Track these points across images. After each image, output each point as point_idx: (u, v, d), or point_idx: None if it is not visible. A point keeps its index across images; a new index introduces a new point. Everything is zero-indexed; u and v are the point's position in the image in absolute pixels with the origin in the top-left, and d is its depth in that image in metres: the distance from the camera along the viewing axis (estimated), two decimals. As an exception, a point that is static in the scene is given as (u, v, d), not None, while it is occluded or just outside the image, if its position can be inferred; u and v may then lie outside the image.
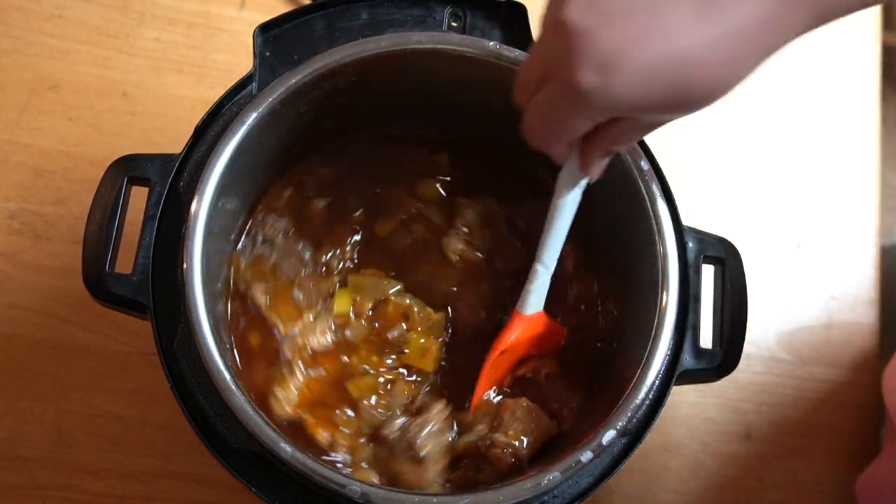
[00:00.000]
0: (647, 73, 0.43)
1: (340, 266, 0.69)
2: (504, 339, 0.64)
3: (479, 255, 0.71)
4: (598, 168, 0.55)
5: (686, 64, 0.43)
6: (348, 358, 0.66)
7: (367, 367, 0.66)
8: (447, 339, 0.68)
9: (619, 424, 0.56)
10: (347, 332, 0.67)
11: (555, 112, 0.48)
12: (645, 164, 0.61)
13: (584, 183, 0.57)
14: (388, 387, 0.66)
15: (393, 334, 0.67)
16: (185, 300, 0.55)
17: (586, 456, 0.55)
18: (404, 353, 0.67)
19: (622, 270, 0.68)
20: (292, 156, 0.71)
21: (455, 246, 0.71)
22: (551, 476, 0.54)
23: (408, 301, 0.68)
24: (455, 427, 0.65)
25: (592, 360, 0.69)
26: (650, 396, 0.58)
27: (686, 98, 0.45)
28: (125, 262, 0.59)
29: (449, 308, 0.69)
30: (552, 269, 0.62)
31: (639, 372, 0.57)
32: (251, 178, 0.68)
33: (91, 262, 0.58)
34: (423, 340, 0.67)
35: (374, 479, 0.62)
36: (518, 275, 0.70)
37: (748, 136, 0.93)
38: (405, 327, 0.68)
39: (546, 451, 0.65)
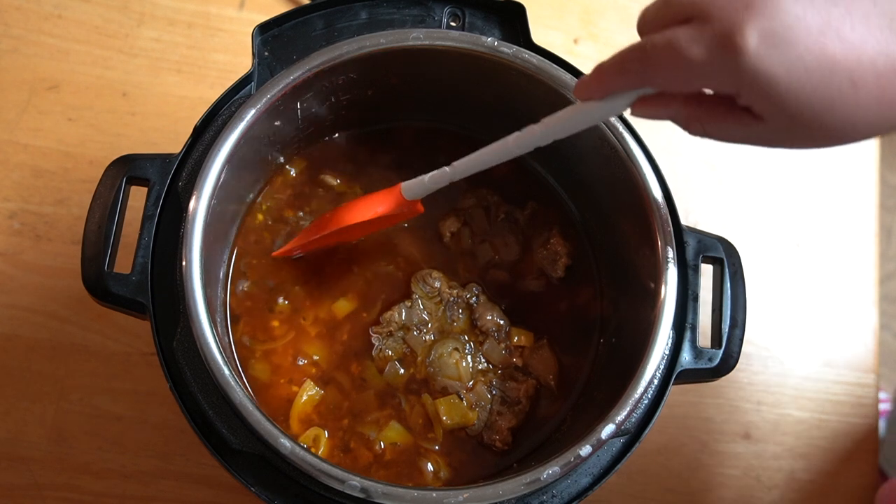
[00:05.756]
0: (806, 67, 0.40)
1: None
2: (374, 213, 0.64)
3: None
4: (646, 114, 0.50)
5: (852, 72, 0.40)
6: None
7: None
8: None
9: (619, 419, 0.56)
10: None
11: (675, 56, 0.43)
12: (645, 164, 0.62)
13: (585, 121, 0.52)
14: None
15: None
16: (185, 297, 0.55)
17: (585, 450, 0.55)
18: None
19: (621, 269, 0.68)
20: (293, 151, 0.71)
21: (452, 225, 0.72)
22: (550, 471, 0.54)
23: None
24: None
25: (591, 356, 0.70)
26: (649, 392, 0.59)
27: (825, 118, 0.41)
28: (125, 262, 0.59)
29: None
30: (458, 178, 0.60)
31: (637, 366, 0.57)
32: (251, 174, 0.68)
33: (90, 261, 0.58)
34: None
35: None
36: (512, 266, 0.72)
37: (747, 135, 0.93)
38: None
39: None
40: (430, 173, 0.61)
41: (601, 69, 0.48)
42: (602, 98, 0.49)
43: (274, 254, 0.69)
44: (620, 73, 0.47)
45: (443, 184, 0.61)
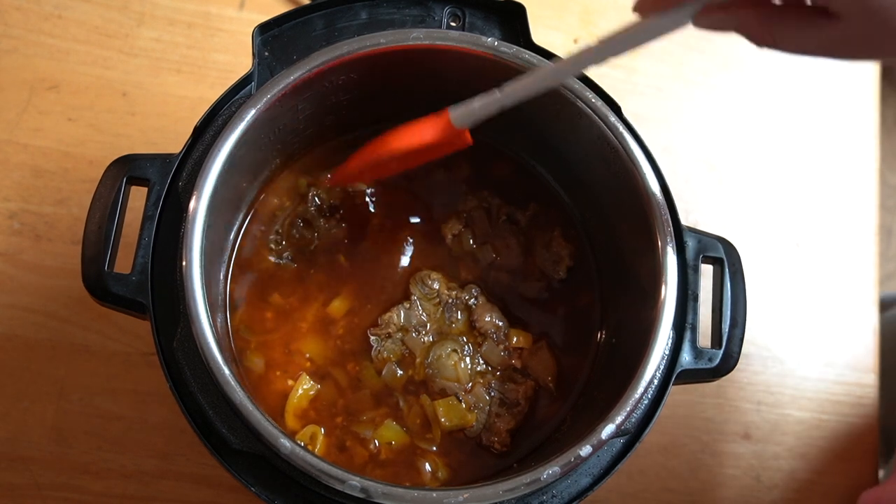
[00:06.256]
0: None
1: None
2: (421, 141, 0.61)
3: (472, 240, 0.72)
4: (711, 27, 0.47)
5: None
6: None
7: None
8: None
9: (619, 419, 0.56)
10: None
11: None
12: (645, 165, 0.62)
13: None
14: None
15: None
16: (185, 297, 0.55)
17: (586, 450, 0.55)
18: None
19: (621, 269, 0.68)
20: (293, 152, 0.71)
21: (454, 227, 0.72)
22: (550, 471, 0.54)
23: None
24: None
25: (591, 356, 0.70)
26: (649, 393, 0.59)
27: None
28: (125, 262, 0.59)
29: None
30: (509, 104, 0.57)
31: (637, 366, 0.57)
32: (251, 175, 0.68)
33: (90, 262, 0.58)
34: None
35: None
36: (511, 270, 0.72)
37: (748, 135, 0.93)
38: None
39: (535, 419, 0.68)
40: (479, 98, 0.58)
41: None
42: (665, 11, 0.47)
43: (328, 182, 0.68)
44: None
45: (492, 110, 0.58)
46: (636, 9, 0.48)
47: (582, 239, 0.73)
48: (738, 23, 0.45)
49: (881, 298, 0.91)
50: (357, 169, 0.66)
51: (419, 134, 0.61)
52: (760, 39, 0.45)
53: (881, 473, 0.85)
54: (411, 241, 0.72)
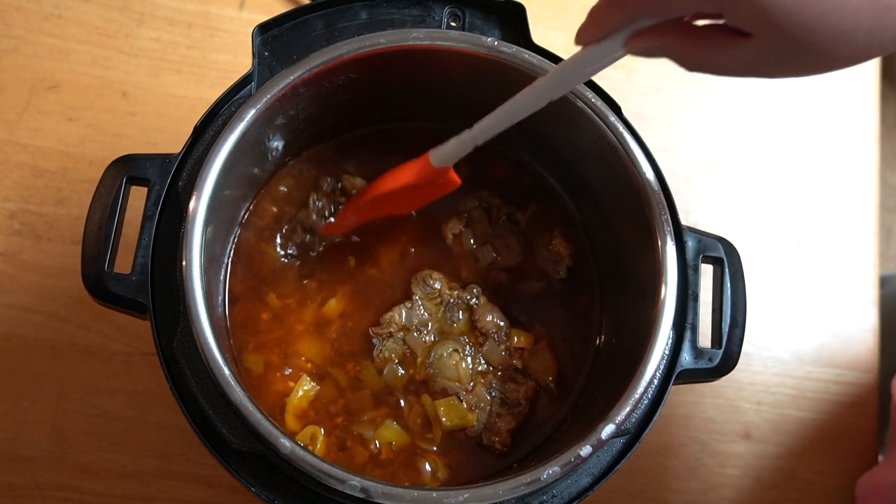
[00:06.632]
0: None
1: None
2: (404, 182, 0.64)
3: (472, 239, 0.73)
4: (643, 50, 0.49)
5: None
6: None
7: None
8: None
9: (619, 419, 0.56)
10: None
11: None
12: (645, 164, 0.62)
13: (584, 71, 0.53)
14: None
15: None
16: (185, 297, 0.55)
17: (586, 450, 0.55)
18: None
19: (621, 269, 0.68)
20: (293, 151, 0.71)
21: (454, 227, 0.72)
22: (551, 471, 0.54)
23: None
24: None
25: (591, 357, 0.70)
26: (649, 392, 0.59)
27: (815, 26, 0.39)
28: (125, 262, 0.59)
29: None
30: (481, 141, 0.60)
31: (637, 366, 0.57)
32: (251, 174, 0.68)
33: (90, 262, 0.58)
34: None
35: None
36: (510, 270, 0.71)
37: (748, 135, 0.93)
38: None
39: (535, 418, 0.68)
40: (454, 138, 0.61)
41: (594, 11, 0.49)
42: (600, 39, 0.49)
43: (321, 230, 0.70)
44: (610, 6, 0.48)
45: (468, 148, 0.60)
46: (576, 41, 0.51)
47: (582, 239, 0.73)
48: (664, 45, 0.48)
49: (881, 277, 0.92)
50: (352, 215, 0.69)
51: (402, 176, 0.65)
52: (686, 62, 0.48)
53: (880, 459, 0.85)
54: (412, 240, 0.72)
